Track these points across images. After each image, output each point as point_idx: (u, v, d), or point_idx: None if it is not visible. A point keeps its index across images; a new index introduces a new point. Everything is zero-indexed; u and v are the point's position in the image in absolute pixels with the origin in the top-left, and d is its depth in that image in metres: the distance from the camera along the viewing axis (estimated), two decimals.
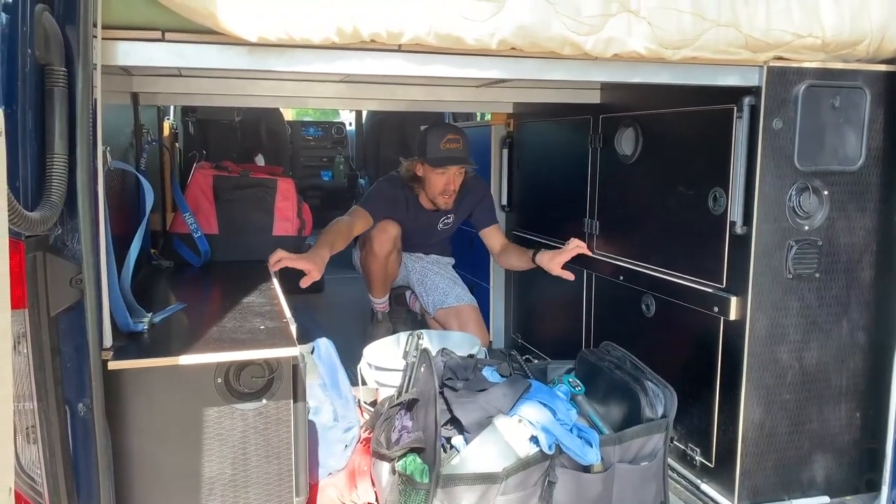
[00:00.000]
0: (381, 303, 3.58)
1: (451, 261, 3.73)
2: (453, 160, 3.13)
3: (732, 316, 2.05)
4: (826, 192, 2.03)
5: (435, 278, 3.54)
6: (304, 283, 2.60)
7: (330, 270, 2.83)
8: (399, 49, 1.67)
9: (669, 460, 2.16)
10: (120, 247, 1.71)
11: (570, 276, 2.90)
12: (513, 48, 1.71)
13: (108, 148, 1.61)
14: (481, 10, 1.62)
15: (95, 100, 1.38)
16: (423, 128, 3.34)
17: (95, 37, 1.36)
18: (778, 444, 2.10)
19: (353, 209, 3.24)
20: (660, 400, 2.06)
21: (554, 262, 2.92)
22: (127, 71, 2.30)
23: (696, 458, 2.24)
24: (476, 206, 3.42)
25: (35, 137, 1.27)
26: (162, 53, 1.57)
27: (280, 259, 2.53)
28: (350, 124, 7.64)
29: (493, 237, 3.40)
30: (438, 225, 3.45)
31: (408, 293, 3.74)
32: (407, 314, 3.78)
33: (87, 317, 1.34)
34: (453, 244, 3.82)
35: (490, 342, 3.69)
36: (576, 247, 2.84)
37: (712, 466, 2.19)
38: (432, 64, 1.73)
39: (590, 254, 2.82)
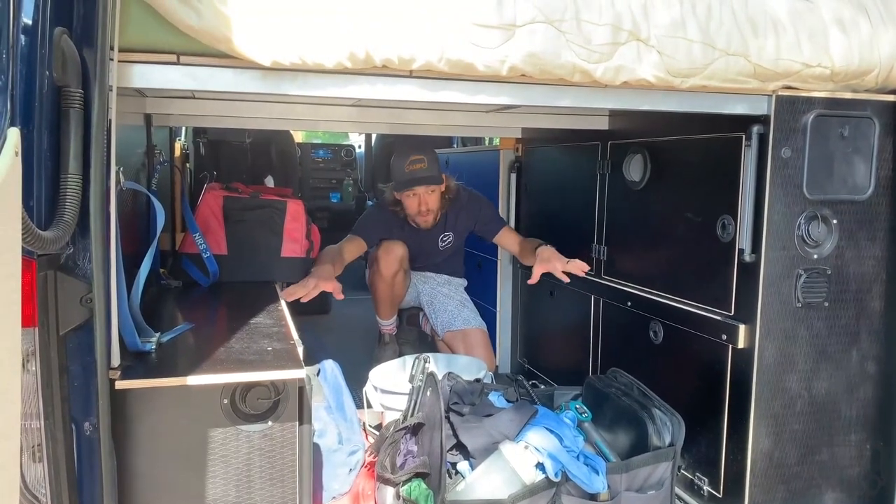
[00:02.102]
0: (388, 325, 3.58)
1: (463, 282, 3.72)
2: (417, 181, 3.11)
3: (741, 344, 2.04)
4: (835, 221, 2.03)
5: (444, 300, 3.54)
6: (339, 295, 2.60)
7: None
8: (410, 75, 1.69)
9: (677, 489, 2.14)
10: (130, 266, 1.71)
11: (532, 281, 2.80)
12: (523, 75, 1.72)
13: (121, 168, 1.63)
14: (492, 38, 1.64)
15: (110, 121, 1.39)
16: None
17: (112, 59, 1.39)
18: (787, 475, 2.08)
19: (347, 237, 3.26)
20: (667, 428, 2.04)
21: (536, 270, 2.79)
22: (141, 92, 2.33)
23: (704, 487, 2.21)
24: (476, 220, 3.40)
25: (50, 157, 1.29)
26: (177, 76, 1.59)
27: (294, 292, 2.50)
28: (359, 147, 7.68)
29: (508, 240, 3.31)
30: (439, 244, 3.45)
31: (420, 314, 3.74)
32: (417, 337, 3.77)
33: (95, 336, 1.35)
34: (465, 265, 3.84)
35: (496, 367, 3.67)
36: (560, 267, 2.72)
37: (720, 496, 2.16)
38: (443, 90, 1.75)
39: (582, 273, 2.74)
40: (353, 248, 3.18)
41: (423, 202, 3.18)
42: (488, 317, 3.80)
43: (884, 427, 2.11)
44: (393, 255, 3.27)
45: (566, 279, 2.76)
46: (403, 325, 3.68)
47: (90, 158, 1.32)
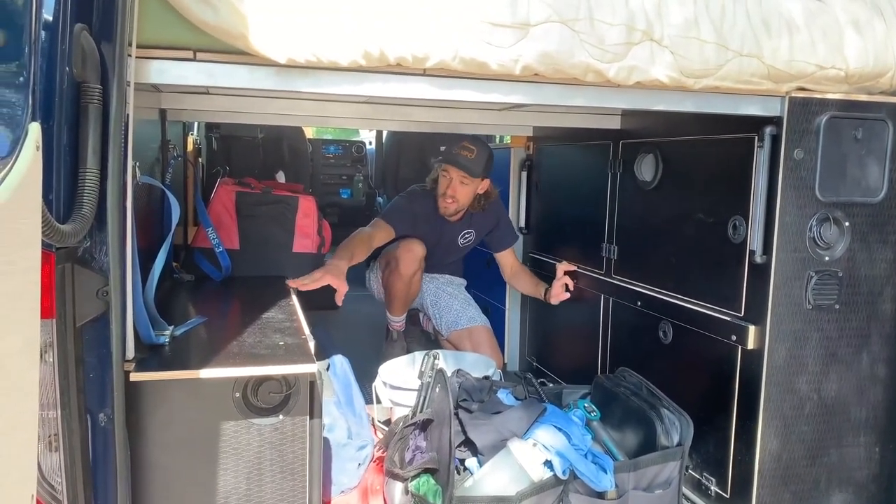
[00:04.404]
0: (398, 321, 3.59)
1: (464, 282, 3.76)
2: (454, 162, 3.17)
3: (751, 345, 2.04)
4: (847, 224, 2.02)
5: (449, 300, 3.56)
6: (339, 299, 2.64)
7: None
8: (424, 73, 1.70)
9: (684, 489, 2.14)
10: (144, 259, 1.73)
11: (566, 296, 3.07)
12: (536, 74, 1.73)
13: (138, 163, 1.64)
14: (506, 37, 1.65)
15: (127, 116, 1.41)
16: None
17: (130, 55, 1.40)
18: (795, 477, 2.08)
19: (374, 221, 3.28)
20: (675, 428, 2.05)
21: (552, 293, 3.10)
22: (156, 88, 2.35)
23: (712, 487, 2.22)
24: (494, 227, 3.47)
25: (69, 152, 1.31)
26: (193, 72, 1.61)
27: (299, 286, 2.51)
28: (370, 143, 7.70)
29: (507, 260, 3.48)
30: (459, 240, 3.48)
31: (421, 314, 3.75)
32: (421, 333, 3.79)
33: (111, 328, 1.37)
34: (469, 264, 3.84)
35: (504, 364, 3.68)
36: (562, 274, 3.04)
37: (728, 497, 2.16)
38: (456, 88, 1.75)
39: (573, 268, 3.04)
40: (382, 234, 3.21)
41: (452, 187, 3.21)
42: (497, 314, 3.80)
43: (893, 431, 2.10)
44: (413, 254, 3.28)
45: (571, 285, 3.05)
46: (407, 324, 3.70)
47: (108, 153, 1.34)
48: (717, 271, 2.20)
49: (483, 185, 3.27)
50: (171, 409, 1.53)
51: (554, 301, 3.11)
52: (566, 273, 3.06)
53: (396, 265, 3.31)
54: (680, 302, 2.36)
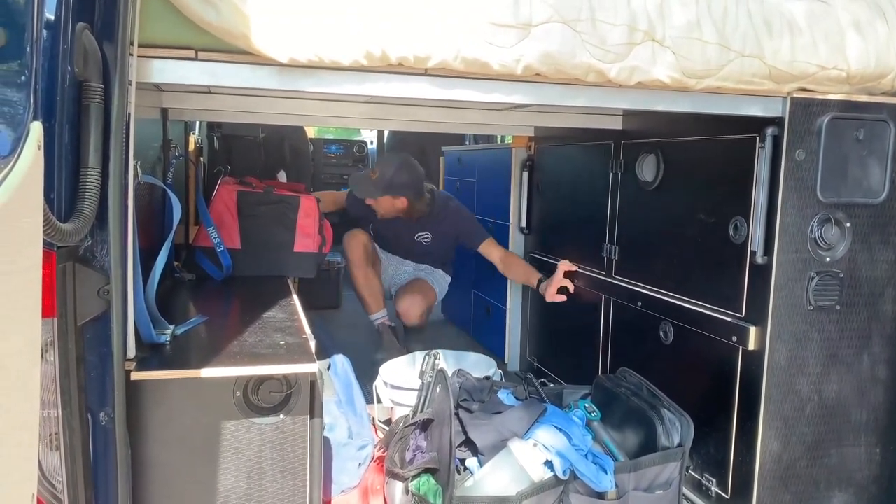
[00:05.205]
0: (379, 317, 3.70)
1: (446, 276, 3.93)
2: (351, 186, 3.70)
3: (751, 346, 2.04)
4: (848, 224, 2.02)
5: (408, 277, 3.84)
6: None
7: (346, 287, 2.85)
8: (425, 73, 1.70)
9: (684, 490, 2.14)
10: (145, 258, 1.74)
11: (561, 298, 3.10)
12: (537, 74, 1.73)
13: (139, 162, 1.65)
14: (508, 37, 1.65)
15: (129, 115, 1.41)
16: None
17: (132, 55, 1.41)
18: (795, 478, 2.08)
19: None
20: (676, 428, 2.05)
21: (547, 292, 3.14)
22: (158, 87, 2.35)
23: (712, 488, 2.22)
24: (457, 232, 3.68)
25: (70, 151, 1.31)
26: (194, 72, 1.61)
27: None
28: (371, 143, 7.70)
29: (490, 252, 3.58)
30: (416, 237, 3.69)
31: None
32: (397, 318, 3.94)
33: (112, 327, 1.37)
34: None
35: (505, 364, 3.69)
36: (562, 271, 3.06)
37: (728, 498, 2.16)
38: (458, 88, 1.75)
39: (575, 268, 3.05)
40: (333, 197, 3.77)
41: (368, 201, 3.57)
42: (498, 314, 3.81)
43: (894, 431, 2.10)
44: (356, 239, 3.64)
45: (562, 298, 3.12)
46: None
47: (109, 152, 1.34)
48: (718, 272, 2.20)
49: (399, 202, 3.51)
50: (172, 408, 1.53)
51: (548, 299, 3.12)
52: (567, 274, 3.06)
53: (346, 256, 3.63)
54: (681, 302, 2.36)
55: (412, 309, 3.62)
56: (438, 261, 3.89)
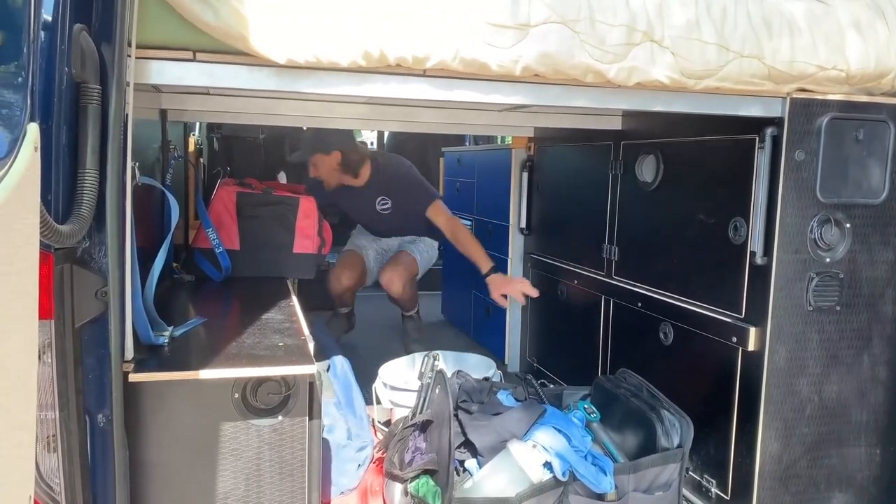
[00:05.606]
0: (343, 310, 4.02)
1: (433, 243, 4.02)
2: (295, 161, 3.87)
3: (751, 346, 2.04)
4: (848, 225, 2.02)
5: (392, 252, 3.96)
6: None
7: None
8: (424, 74, 1.70)
9: (684, 491, 2.13)
10: (144, 259, 1.73)
11: (504, 303, 3.35)
12: (536, 75, 1.72)
13: (137, 163, 1.64)
14: (506, 38, 1.64)
15: (126, 115, 1.41)
16: None
17: (130, 56, 1.40)
18: (795, 479, 2.07)
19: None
20: (676, 429, 2.04)
21: (496, 293, 3.28)
22: (157, 88, 2.35)
23: (712, 489, 2.21)
24: (407, 196, 3.74)
25: (68, 152, 1.30)
26: (193, 73, 1.61)
27: None
28: (371, 143, 7.70)
29: (435, 216, 3.67)
30: (376, 206, 3.79)
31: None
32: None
33: (110, 329, 1.37)
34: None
35: (505, 365, 3.69)
36: (520, 291, 3.24)
37: (728, 499, 2.16)
38: (456, 89, 1.75)
39: (534, 294, 3.19)
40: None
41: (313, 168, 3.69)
42: (498, 315, 3.80)
43: (894, 432, 2.10)
44: (339, 281, 3.83)
45: (523, 301, 3.34)
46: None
47: (107, 153, 1.34)
48: (717, 272, 2.20)
49: (333, 158, 3.60)
50: (170, 409, 1.53)
51: (492, 295, 3.29)
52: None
53: (336, 270, 3.85)
54: (680, 303, 2.36)
55: (393, 280, 3.73)
56: (415, 229, 3.97)
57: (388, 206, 3.81)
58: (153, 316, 1.73)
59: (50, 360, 1.29)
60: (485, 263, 3.35)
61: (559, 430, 1.98)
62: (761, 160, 2.00)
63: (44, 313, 1.25)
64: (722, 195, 2.18)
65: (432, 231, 3.97)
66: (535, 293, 3.18)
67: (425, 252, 3.96)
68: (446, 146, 5.08)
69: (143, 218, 1.96)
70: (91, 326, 1.37)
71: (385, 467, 2.12)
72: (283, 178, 5.28)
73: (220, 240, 2.66)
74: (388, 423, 2.56)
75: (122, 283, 1.40)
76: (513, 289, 3.28)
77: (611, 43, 1.72)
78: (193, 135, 4.03)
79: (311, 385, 1.60)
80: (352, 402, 2.41)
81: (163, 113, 2.62)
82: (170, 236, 1.94)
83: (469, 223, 4.27)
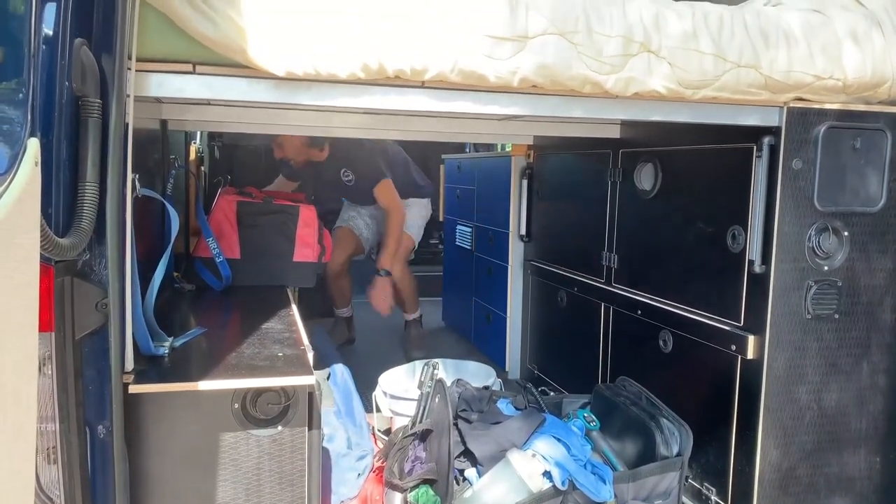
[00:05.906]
0: (344, 313, 4.14)
1: (423, 200, 4.18)
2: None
3: (750, 355, 2.04)
4: (846, 233, 2.02)
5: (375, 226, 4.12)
6: None
7: None
8: (422, 85, 1.71)
9: (684, 499, 2.13)
10: (144, 271, 1.74)
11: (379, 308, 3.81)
12: (534, 86, 1.73)
13: (137, 175, 1.65)
14: (504, 49, 1.65)
15: (127, 127, 1.42)
16: None
17: (130, 69, 1.41)
18: (795, 486, 2.07)
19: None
20: (675, 438, 2.05)
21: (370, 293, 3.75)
22: (158, 99, 2.36)
23: (712, 497, 2.21)
24: (360, 163, 3.86)
25: (68, 166, 1.31)
26: (193, 85, 1.62)
27: None
28: None
29: (378, 196, 3.87)
30: (342, 177, 3.89)
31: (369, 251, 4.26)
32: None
33: (110, 341, 1.37)
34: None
35: (505, 373, 3.69)
36: (374, 303, 3.79)
37: None
38: (454, 100, 1.76)
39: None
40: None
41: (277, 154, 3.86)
42: (498, 322, 3.81)
43: (894, 440, 2.10)
44: (341, 247, 3.91)
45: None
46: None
47: (107, 166, 1.34)
48: (716, 281, 2.20)
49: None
50: (170, 420, 1.53)
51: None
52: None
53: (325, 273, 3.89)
54: (680, 311, 2.36)
55: (394, 265, 3.88)
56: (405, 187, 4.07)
57: (350, 178, 3.91)
58: (153, 327, 1.74)
59: (50, 373, 1.30)
60: (385, 261, 3.78)
61: (559, 440, 1.99)
62: (759, 169, 2.01)
63: (44, 325, 1.26)
64: (720, 204, 2.19)
65: (419, 189, 4.11)
66: (382, 312, 3.77)
67: (418, 218, 4.08)
68: (446, 153, 5.09)
69: (143, 229, 1.97)
70: (91, 338, 1.38)
71: (385, 476, 2.12)
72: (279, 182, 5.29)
73: (220, 249, 2.67)
74: (387, 432, 2.56)
75: (123, 295, 1.41)
76: (373, 299, 3.79)
77: (608, 54, 1.73)
78: (195, 143, 4.04)
79: (311, 395, 1.61)
80: (352, 411, 2.42)
81: (163, 123, 2.63)
82: (170, 248, 1.94)
83: (469, 230, 4.28)
